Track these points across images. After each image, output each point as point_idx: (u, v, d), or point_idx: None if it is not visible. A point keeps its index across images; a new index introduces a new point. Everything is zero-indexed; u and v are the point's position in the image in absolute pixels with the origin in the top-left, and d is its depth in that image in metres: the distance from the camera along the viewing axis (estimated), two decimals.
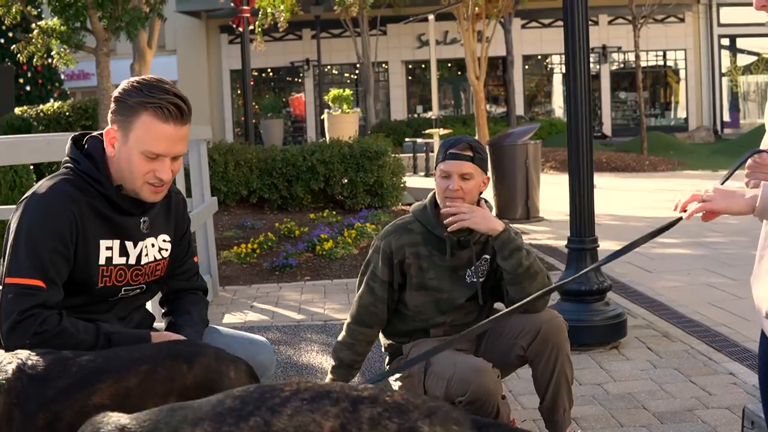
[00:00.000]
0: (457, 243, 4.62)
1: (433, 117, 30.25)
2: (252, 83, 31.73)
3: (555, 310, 4.80)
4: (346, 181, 14.22)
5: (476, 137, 28.50)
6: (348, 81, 42.67)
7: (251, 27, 24.57)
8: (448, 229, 4.50)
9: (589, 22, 7.08)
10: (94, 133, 3.68)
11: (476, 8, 29.43)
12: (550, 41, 39.25)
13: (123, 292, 3.66)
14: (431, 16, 27.76)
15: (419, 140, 27.61)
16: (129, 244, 3.61)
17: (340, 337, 4.80)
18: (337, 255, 11.00)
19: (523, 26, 40.38)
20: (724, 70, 42.69)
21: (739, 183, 3.13)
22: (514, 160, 14.77)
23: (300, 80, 43.20)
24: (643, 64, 36.10)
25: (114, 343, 3.46)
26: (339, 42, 39.77)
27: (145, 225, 3.66)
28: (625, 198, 18.20)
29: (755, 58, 42.91)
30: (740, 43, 43.12)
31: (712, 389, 5.85)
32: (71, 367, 3.16)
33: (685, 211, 3.04)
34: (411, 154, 26.53)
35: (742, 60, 43.20)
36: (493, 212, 4.66)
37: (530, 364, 4.65)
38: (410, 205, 14.13)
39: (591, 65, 7.08)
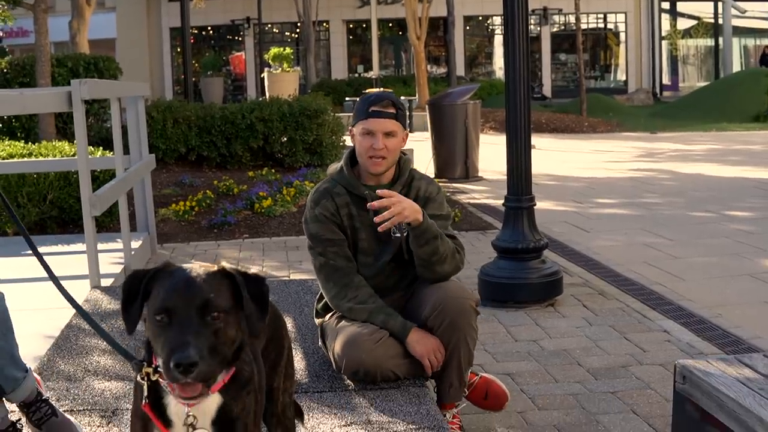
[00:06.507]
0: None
1: (373, 77, 30.28)
2: (192, 41, 31.49)
3: (473, 290, 4.52)
4: (285, 139, 14.16)
5: (416, 97, 28.65)
6: (288, 40, 42.45)
7: None
8: (379, 228, 4.24)
9: None
10: None
11: None
12: (491, 2, 39.14)
13: None
14: None
15: None
16: None
17: (351, 309, 4.38)
18: (276, 213, 10.99)
19: None
20: (664, 34, 43.01)
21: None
22: (454, 119, 14.77)
23: (240, 38, 42.92)
24: (584, 26, 36.19)
25: None
26: (280, 0, 39.51)
27: None
28: (563, 158, 18.30)
29: (695, 22, 43.26)
30: (680, 6, 43.47)
31: (645, 346, 5.93)
32: None
33: None
34: (351, 114, 26.43)
35: (682, 24, 43.55)
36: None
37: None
38: None
39: (532, 27, 7.13)
